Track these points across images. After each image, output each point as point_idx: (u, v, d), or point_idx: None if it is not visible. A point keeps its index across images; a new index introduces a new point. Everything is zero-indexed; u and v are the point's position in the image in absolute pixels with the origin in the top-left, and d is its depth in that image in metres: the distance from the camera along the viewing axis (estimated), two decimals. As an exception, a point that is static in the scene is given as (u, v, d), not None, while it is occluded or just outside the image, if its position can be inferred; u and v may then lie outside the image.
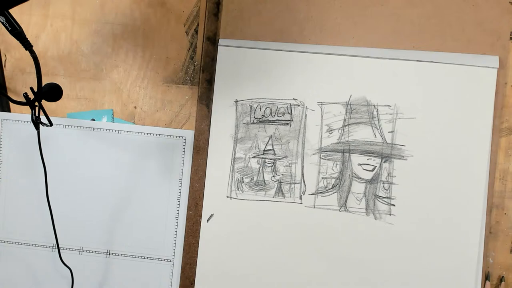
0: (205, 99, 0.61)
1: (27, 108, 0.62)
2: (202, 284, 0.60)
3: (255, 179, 0.60)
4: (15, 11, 0.51)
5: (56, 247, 0.61)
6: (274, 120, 0.60)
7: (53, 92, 0.54)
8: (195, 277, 0.60)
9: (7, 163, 0.62)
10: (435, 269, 0.59)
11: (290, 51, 0.60)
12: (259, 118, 0.60)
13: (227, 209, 0.60)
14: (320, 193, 0.60)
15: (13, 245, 0.62)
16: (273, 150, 0.60)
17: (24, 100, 0.58)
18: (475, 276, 0.58)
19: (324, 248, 0.59)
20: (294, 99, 0.60)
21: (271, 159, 0.60)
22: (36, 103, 0.53)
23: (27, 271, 0.62)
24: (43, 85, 0.52)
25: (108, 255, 0.62)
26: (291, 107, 0.60)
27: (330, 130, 0.59)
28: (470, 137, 0.58)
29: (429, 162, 0.58)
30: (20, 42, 0.52)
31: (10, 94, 0.62)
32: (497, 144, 0.59)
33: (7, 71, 0.62)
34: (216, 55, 0.60)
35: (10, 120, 0.61)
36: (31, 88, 0.51)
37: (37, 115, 0.53)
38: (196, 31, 0.61)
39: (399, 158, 0.59)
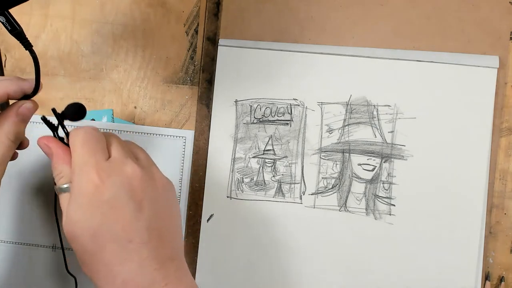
0: (205, 99, 0.61)
1: (27, 108, 0.62)
2: (202, 284, 0.60)
3: (255, 179, 0.60)
4: (15, 11, 0.51)
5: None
6: (274, 120, 0.60)
7: (78, 113, 0.49)
8: (195, 277, 0.60)
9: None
10: (435, 269, 0.59)
11: (290, 51, 0.60)
12: (259, 118, 0.60)
13: (227, 209, 0.60)
14: (320, 193, 0.60)
15: (13, 245, 0.62)
16: (273, 150, 0.60)
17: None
18: (475, 276, 0.58)
19: (324, 248, 0.59)
20: (294, 99, 0.60)
21: (271, 159, 0.60)
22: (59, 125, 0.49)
23: (27, 271, 0.62)
24: (68, 105, 0.49)
25: (108, 255, 0.61)
26: (291, 107, 0.60)
27: (330, 130, 0.59)
28: (470, 137, 0.58)
29: (429, 162, 0.58)
30: (20, 42, 0.52)
31: (10, 94, 0.62)
32: (497, 144, 0.59)
33: (7, 71, 0.62)
34: (216, 55, 0.60)
35: (10, 120, 0.61)
36: (54, 110, 0.48)
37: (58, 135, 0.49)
38: (196, 31, 0.61)
39: (399, 158, 0.59)
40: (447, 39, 0.59)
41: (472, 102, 0.58)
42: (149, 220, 0.43)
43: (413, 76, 0.59)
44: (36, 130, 0.61)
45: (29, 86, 0.47)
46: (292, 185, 0.60)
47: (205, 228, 0.60)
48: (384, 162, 0.59)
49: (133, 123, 0.62)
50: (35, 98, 0.49)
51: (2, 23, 0.49)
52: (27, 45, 0.52)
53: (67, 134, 0.48)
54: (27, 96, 0.54)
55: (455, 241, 0.58)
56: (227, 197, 0.60)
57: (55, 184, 0.46)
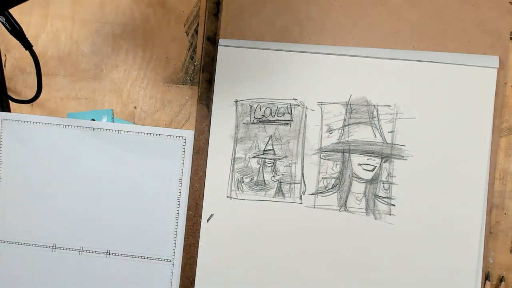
0: (205, 99, 0.61)
1: (27, 108, 0.62)
2: (202, 284, 0.60)
3: (255, 179, 0.60)
4: (15, 11, 0.51)
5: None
6: (274, 120, 0.60)
7: None
8: (195, 277, 0.60)
9: (7, 163, 0.62)
10: (435, 269, 0.59)
11: (290, 51, 0.60)
12: (259, 118, 0.60)
13: (227, 209, 0.60)
14: (320, 193, 0.60)
15: (13, 245, 0.62)
16: (273, 150, 0.60)
17: (24, 99, 0.58)
18: (475, 276, 0.58)
19: (324, 248, 0.59)
20: (294, 99, 0.60)
21: (271, 159, 0.60)
22: None
23: (27, 271, 0.62)
24: None
25: (108, 255, 0.62)
26: (291, 107, 0.60)
27: (330, 130, 0.59)
28: (470, 137, 0.58)
29: (429, 162, 0.58)
30: (20, 42, 0.52)
31: (10, 94, 0.62)
32: (497, 144, 0.59)
33: (7, 71, 0.62)
34: (216, 55, 0.60)
35: (10, 120, 0.61)
36: None
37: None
38: (196, 31, 0.61)
39: (399, 158, 0.59)
40: (447, 39, 0.59)
41: (472, 102, 0.58)
42: None
43: (413, 76, 0.59)
44: (38, 130, 0.61)
45: None
46: (292, 185, 0.60)
47: (205, 228, 0.60)
48: (384, 162, 0.59)
49: (133, 123, 0.62)
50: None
51: (2, 23, 0.49)
52: (27, 45, 0.52)
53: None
54: (29, 100, 0.54)
55: (455, 241, 0.58)
56: (227, 197, 0.60)
57: None
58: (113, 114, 0.62)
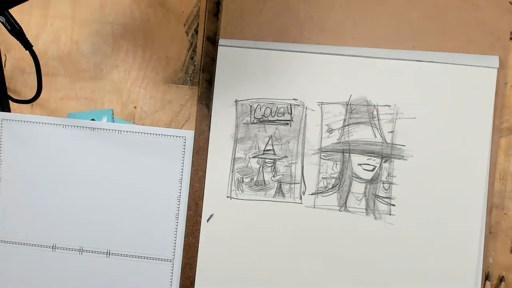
0: (205, 99, 0.61)
1: (27, 108, 0.62)
2: (202, 284, 0.60)
3: (255, 179, 0.60)
4: (15, 11, 0.51)
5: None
6: (274, 120, 0.60)
7: None
8: (195, 277, 0.60)
9: (7, 163, 0.62)
10: (435, 269, 0.59)
11: (290, 51, 0.60)
12: (259, 118, 0.60)
13: (227, 209, 0.60)
14: (320, 193, 0.60)
15: (13, 245, 0.62)
16: (273, 150, 0.60)
17: (24, 99, 0.58)
18: (475, 276, 0.58)
19: (324, 248, 0.59)
20: (294, 99, 0.60)
21: (271, 159, 0.60)
22: None
23: (27, 271, 0.62)
24: None
25: (108, 255, 0.62)
26: (291, 107, 0.60)
27: (330, 130, 0.59)
28: (470, 137, 0.58)
29: (429, 162, 0.58)
30: (20, 42, 0.52)
31: (10, 94, 0.62)
32: (497, 144, 0.59)
33: (7, 71, 0.62)
34: (216, 55, 0.60)
35: (10, 120, 0.61)
36: None
37: None
38: (196, 31, 0.61)
39: (399, 158, 0.59)
40: (447, 39, 0.59)
41: (472, 102, 0.58)
42: None
43: (413, 76, 0.59)
44: (38, 130, 0.61)
45: None
46: (292, 185, 0.60)
47: (205, 228, 0.60)
48: (384, 162, 0.59)
49: (133, 123, 0.62)
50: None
51: (2, 23, 0.49)
52: (27, 45, 0.52)
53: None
54: (29, 100, 0.54)
55: (455, 241, 0.58)
56: (227, 197, 0.60)
57: None
58: (113, 114, 0.62)
